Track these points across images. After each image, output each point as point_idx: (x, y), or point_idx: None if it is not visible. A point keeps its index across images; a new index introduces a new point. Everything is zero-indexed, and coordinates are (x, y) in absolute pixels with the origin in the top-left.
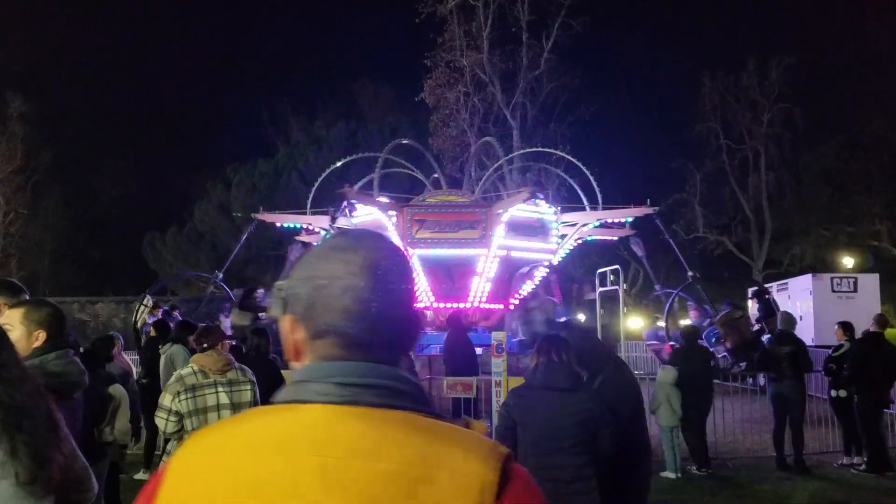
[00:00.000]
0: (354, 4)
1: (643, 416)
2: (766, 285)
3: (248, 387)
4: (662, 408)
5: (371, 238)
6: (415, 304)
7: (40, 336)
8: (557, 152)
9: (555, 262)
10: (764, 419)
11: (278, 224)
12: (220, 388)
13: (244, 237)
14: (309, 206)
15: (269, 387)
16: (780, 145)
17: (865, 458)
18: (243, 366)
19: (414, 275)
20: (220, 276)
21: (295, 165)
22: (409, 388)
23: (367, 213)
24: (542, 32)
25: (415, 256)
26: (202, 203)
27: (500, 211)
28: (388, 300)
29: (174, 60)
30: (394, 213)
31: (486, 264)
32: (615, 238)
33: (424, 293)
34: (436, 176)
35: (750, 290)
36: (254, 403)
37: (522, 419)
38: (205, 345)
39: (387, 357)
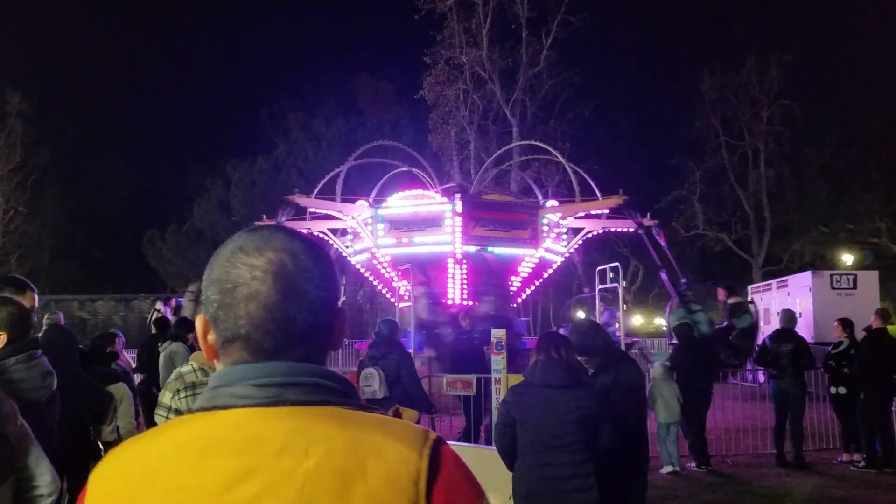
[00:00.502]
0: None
1: (646, 415)
2: (766, 282)
3: None
4: (658, 404)
5: (280, 238)
6: (331, 303)
7: (0, 338)
8: (551, 150)
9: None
10: (764, 416)
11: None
12: None
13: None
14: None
15: None
16: (779, 142)
17: (864, 455)
18: None
19: (332, 269)
20: None
21: (294, 162)
22: (331, 382)
23: (427, 204)
24: (542, 29)
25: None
26: (201, 201)
27: (468, 207)
28: (296, 304)
29: (173, 58)
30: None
31: (528, 264)
32: (630, 229)
33: (460, 292)
34: (408, 168)
35: (720, 290)
36: None
37: (521, 416)
38: None
39: (303, 357)
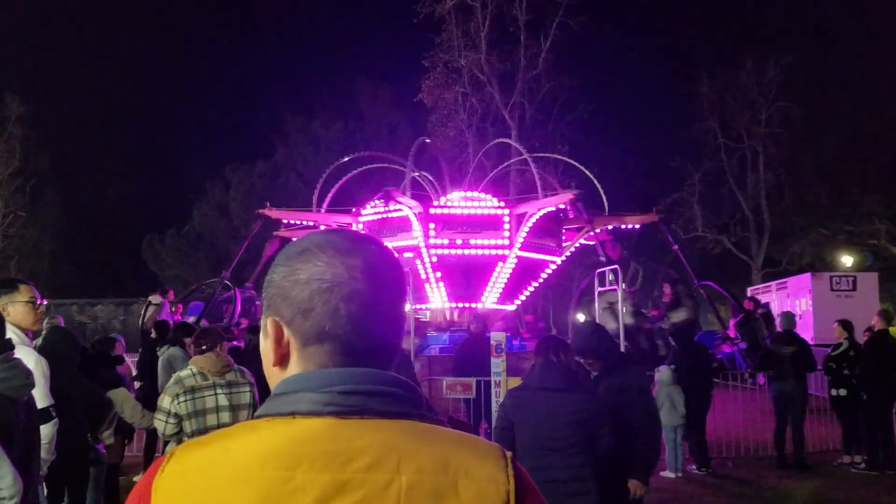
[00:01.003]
0: (353, 3)
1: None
2: (765, 284)
3: (248, 388)
4: (664, 407)
5: (369, 241)
6: (404, 309)
7: None
8: (556, 156)
9: (558, 262)
10: (765, 418)
11: (285, 221)
12: (219, 390)
13: (252, 233)
14: (315, 202)
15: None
16: (778, 144)
17: (865, 456)
18: (242, 367)
19: (406, 276)
20: (228, 275)
21: (293, 166)
22: (408, 393)
23: (398, 210)
24: (540, 32)
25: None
26: (201, 204)
27: (529, 211)
28: (391, 306)
29: (172, 61)
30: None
31: (504, 265)
32: (637, 225)
33: (439, 294)
34: (414, 174)
35: (665, 285)
36: (252, 406)
37: (519, 419)
38: (203, 346)
39: (382, 362)
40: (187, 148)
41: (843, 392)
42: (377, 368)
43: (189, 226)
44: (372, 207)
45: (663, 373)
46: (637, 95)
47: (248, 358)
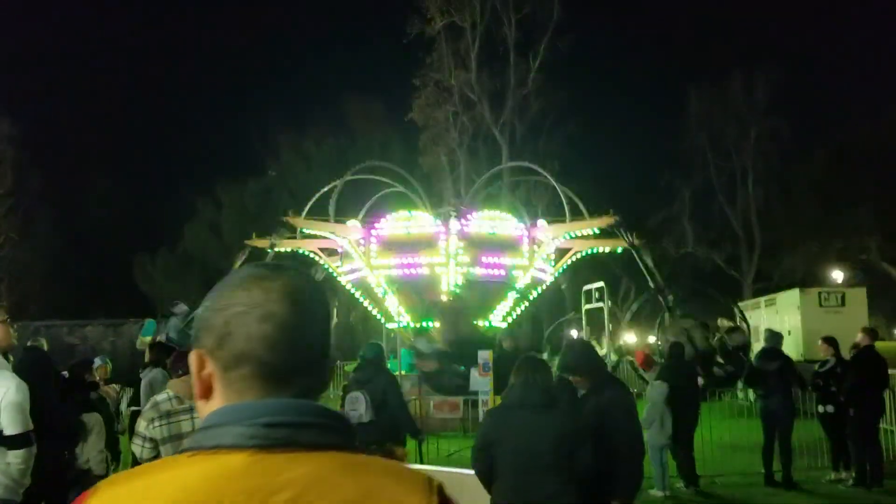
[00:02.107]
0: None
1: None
2: (754, 300)
3: None
4: (654, 425)
5: (289, 268)
6: (329, 337)
7: None
8: (539, 169)
9: (549, 280)
10: (753, 434)
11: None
12: (195, 415)
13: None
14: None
15: None
16: (767, 160)
17: (854, 474)
18: None
19: (329, 306)
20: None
21: (285, 184)
22: (337, 423)
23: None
24: (529, 52)
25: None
26: (192, 224)
27: (451, 228)
28: (310, 327)
29: (163, 80)
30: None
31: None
32: (619, 249)
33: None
34: (413, 190)
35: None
36: None
37: (498, 439)
38: (180, 371)
39: (309, 389)
40: (178, 167)
41: (830, 409)
42: (305, 396)
43: (180, 245)
44: (394, 221)
45: (656, 390)
46: (626, 112)
47: None
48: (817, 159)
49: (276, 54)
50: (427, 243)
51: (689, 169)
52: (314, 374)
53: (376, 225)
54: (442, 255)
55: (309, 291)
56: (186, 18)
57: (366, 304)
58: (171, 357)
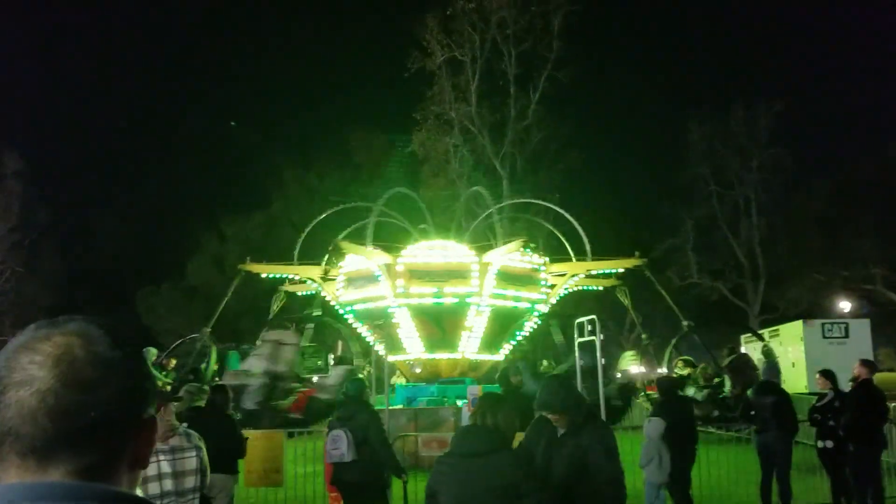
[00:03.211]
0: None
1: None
2: (760, 331)
3: (193, 453)
4: (653, 463)
5: (76, 323)
6: (130, 401)
7: None
8: (545, 203)
9: (545, 311)
10: (752, 469)
11: (263, 275)
12: (161, 457)
13: (231, 291)
14: (296, 256)
15: (227, 444)
16: (770, 190)
17: None
18: (190, 430)
19: (137, 363)
20: (207, 332)
21: (289, 217)
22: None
23: (357, 265)
24: (529, 85)
25: (405, 307)
26: (196, 257)
27: (493, 260)
28: (78, 394)
29: (168, 114)
30: (384, 264)
31: (476, 314)
32: (601, 287)
33: (414, 343)
34: (423, 227)
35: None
36: (199, 470)
37: (441, 488)
38: None
39: (89, 467)
40: (184, 200)
41: (829, 444)
42: (85, 473)
43: (184, 279)
44: (420, 251)
45: (652, 426)
46: (627, 143)
47: (207, 417)
48: (820, 189)
49: (280, 88)
50: (459, 273)
51: (692, 199)
52: (96, 450)
53: (404, 253)
54: (474, 286)
55: (84, 351)
56: (192, 55)
57: (366, 335)
58: None
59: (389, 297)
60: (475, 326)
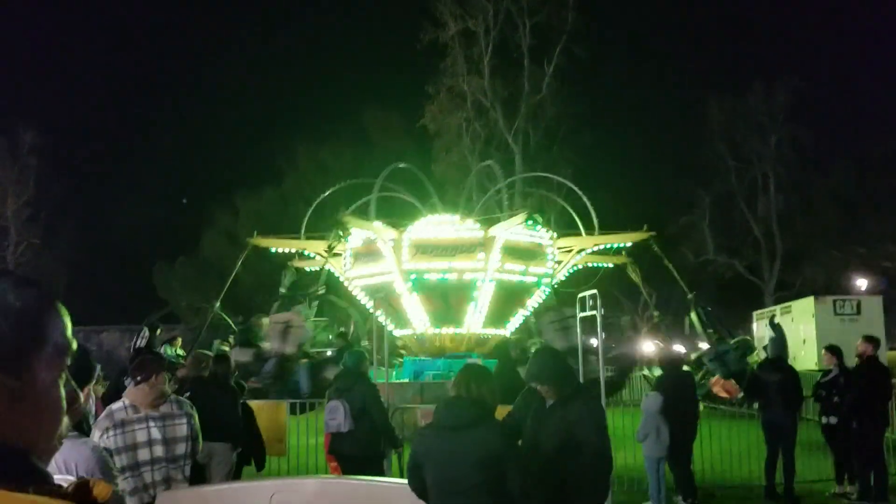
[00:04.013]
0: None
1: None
2: (770, 308)
3: (184, 420)
4: (650, 437)
5: None
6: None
7: None
8: (556, 177)
9: (552, 286)
10: (758, 446)
11: (273, 249)
12: (151, 423)
13: (239, 263)
14: (303, 231)
15: (228, 414)
16: (788, 167)
17: (858, 487)
18: (181, 398)
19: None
20: (218, 305)
21: (301, 193)
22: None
23: (363, 240)
24: (544, 58)
25: (410, 282)
26: (210, 231)
27: (497, 235)
28: None
29: (183, 90)
30: (390, 238)
31: (482, 289)
32: (611, 265)
33: (420, 319)
34: (434, 201)
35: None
36: (190, 437)
37: (423, 460)
38: (138, 378)
39: None
40: (199, 175)
41: (833, 420)
42: None
43: (198, 253)
44: (426, 226)
45: (650, 401)
46: (644, 119)
47: (210, 386)
48: (839, 167)
49: (294, 63)
50: (465, 248)
51: (709, 176)
52: None
53: (410, 228)
54: (480, 261)
55: None
56: (207, 32)
57: (374, 310)
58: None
59: (395, 272)
60: (481, 301)
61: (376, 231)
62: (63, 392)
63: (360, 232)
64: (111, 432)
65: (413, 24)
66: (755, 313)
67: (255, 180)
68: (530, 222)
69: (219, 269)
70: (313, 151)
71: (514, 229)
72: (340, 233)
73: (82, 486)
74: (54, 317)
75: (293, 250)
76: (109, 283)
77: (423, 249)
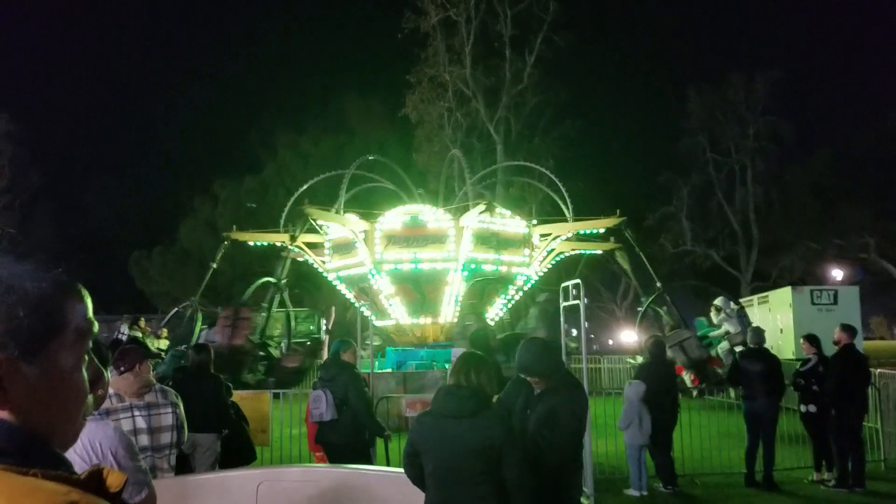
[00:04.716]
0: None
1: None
2: (747, 298)
3: (169, 409)
4: (633, 425)
5: None
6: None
7: None
8: (537, 167)
9: (533, 276)
10: (737, 434)
11: (250, 243)
12: (136, 412)
13: (217, 258)
14: (283, 222)
15: (212, 404)
16: (766, 158)
17: (836, 474)
18: (165, 387)
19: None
20: (196, 300)
21: (282, 182)
22: None
23: (338, 232)
24: (525, 47)
25: (384, 273)
26: (189, 220)
27: (467, 224)
28: None
29: (162, 78)
30: (362, 230)
31: (455, 279)
32: (600, 251)
33: (397, 309)
34: (421, 192)
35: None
36: (175, 427)
37: (422, 448)
38: (121, 368)
39: None
40: (177, 163)
41: (812, 408)
42: None
43: (177, 242)
44: (401, 215)
45: (632, 389)
46: (624, 110)
47: (191, 377)
48: (816, 158)
49: (274, 51)
50: (436, 238)
51: (688, 167)
52: None
53: (381, 219)
54: (451, 251)
55: None
56: (185, 17)
57: (354, 300)
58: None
59: (368, 264)
60: (455, 290)
61: (345, 222)
62: (85, 375)
63: (335, 224)
64: None
65: (394, 13)
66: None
67: (235, 168)
68: (487, 211)
69: (197, 258)
70: (293, 139)
71: (484, 218)
72: (302, 225)
73: (95, 475)
74: (75, 301)
75: (274, 243)
76: (86, 272)
77: (395, 240)
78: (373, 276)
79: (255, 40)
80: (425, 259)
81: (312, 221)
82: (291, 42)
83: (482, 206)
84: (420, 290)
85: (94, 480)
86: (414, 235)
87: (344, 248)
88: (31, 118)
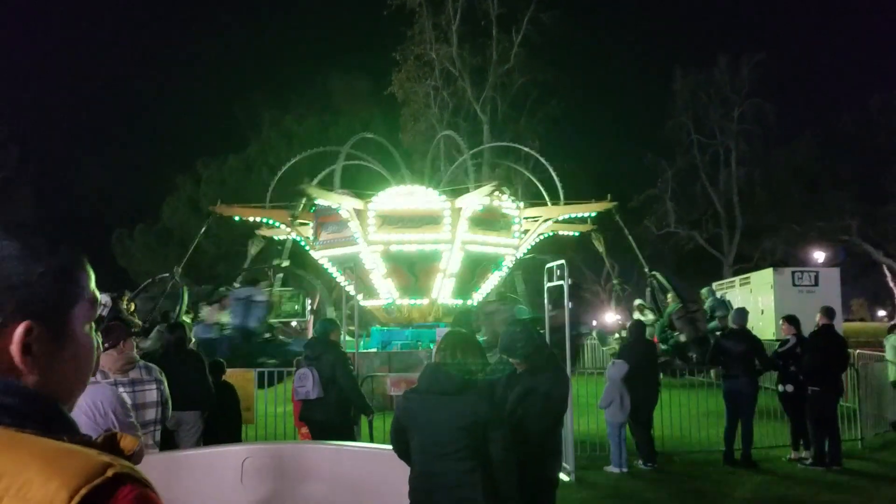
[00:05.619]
0: None
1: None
2: (730, 279)
3: (154, 386)
4: (614, 404)
5: None
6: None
7: None
8: (524, 148)
9: (518, 257)
10: (717, 413)
11: (236, 218)
12: (120, 389)
13: (202, 232)
14: (268, 199)
15: (194, 381)
16: (750, 141)
17: (812, 453)
18: (150, 364)
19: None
20: (179, 271)
21: (266, 160)
22: (9, 399)
23: (329, 210)
24: (512, 26)
25: (376, 253)
26: (171, 199)
27: (464, 205)
28: None
29: (144, 55)
30: (355, 209)
31: (449, 260)
32: (576, 233)
33: (388, 289)
34: (406, 172)
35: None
36: (160, 402)
37: (408, 424)
38: (105, 344)
39: None
40: (159, 141)
41: (789, 388)
42: None
43: (159, 221)
44: (395, 196)
45: (615, 368)
46: (610, 92)
47: (171, 355)
48: (800, 141)
49: (259, 29)
50: (430, 219)
51: (673, 149)
52: None
53: (375, 199)
54: (446, 231)
55: None
56: None
57: (341, 280)
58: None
59: (361, 243)
60: (448, 272)
61: (341, 202)
62: (95, 340)
63: (326, 202)
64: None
65: None
66: (714, 284)
67: (218, 147)
68: (497, 193)
69: (180, 237)
70: (277, 118)
71: (482, 199)
72: (303, 203)
73: (110, 439)
74: (88, 270)
75: (259, 219)
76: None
77: (389, 220)
78: (365, 256)
79: (239, 17)
80: (420, 241)
81: (305, 204)
82: (276, 18)
83: (490, 188)
84: (413, 270)
85: (109, 444)
86: (409, 216)
87: (333, 226)
88: (9, 97)
